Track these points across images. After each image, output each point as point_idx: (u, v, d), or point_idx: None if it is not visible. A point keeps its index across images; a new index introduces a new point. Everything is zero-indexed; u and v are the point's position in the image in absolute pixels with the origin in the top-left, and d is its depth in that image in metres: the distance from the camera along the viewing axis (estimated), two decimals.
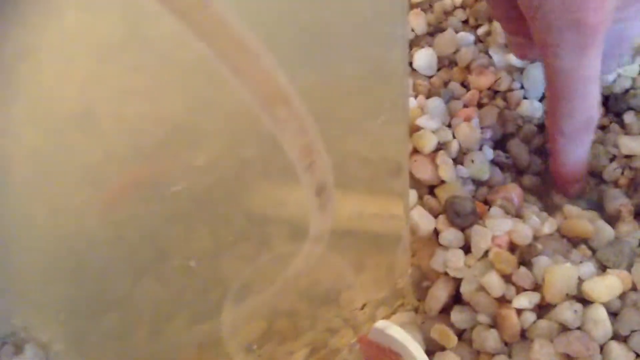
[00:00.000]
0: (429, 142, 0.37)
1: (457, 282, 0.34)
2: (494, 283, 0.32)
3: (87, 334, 0.23)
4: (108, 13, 0.18)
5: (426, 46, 0.44)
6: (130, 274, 0.23)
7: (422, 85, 0.42)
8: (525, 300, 0.31)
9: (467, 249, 0.34)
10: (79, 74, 0.18)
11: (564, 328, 0.31)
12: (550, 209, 0.38)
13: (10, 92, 0.18)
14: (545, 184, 0.40)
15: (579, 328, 0.31)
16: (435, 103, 0.40)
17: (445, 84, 0.43)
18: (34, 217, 0.20)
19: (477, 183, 0.39)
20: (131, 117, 0.20)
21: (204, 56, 0.19)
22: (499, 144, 0.41)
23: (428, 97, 0.41)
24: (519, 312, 0.31)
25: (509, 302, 0.32)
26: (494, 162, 0.40)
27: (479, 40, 0.44)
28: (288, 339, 0.29)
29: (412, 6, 0.46)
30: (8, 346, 0.26)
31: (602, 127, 0.41)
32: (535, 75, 0.41)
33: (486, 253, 0.33)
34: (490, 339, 0.32)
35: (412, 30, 0.45)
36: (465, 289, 0.33)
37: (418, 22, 0.45)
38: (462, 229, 0.35)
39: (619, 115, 0.41)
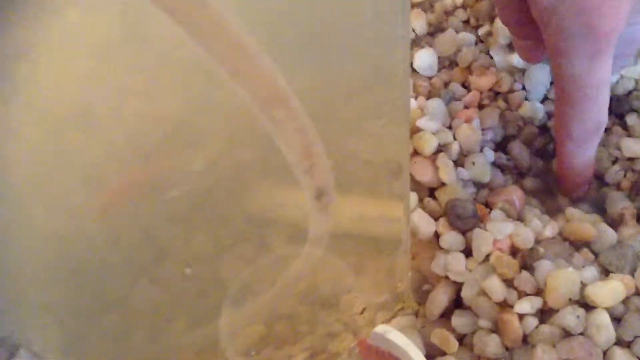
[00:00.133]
0: (429, 144, 0.37)
1: (458, 286, 0.34)
2: (496, 287, 0.32)
3: (85, 336, 0.23)
4: (107, 12, 0.18)
5: (426, 46, 0.44)
6: (128, 275, 0.23)
7: (422, 86, 0.42)
8: (527, 305, 0.31)
9: (468, 252, 0.35)
10: (77, 73, 0.18)
11: (567, 333, 0.31)
12: (552, 211, 0.39)
13: (9, 91, 0.18)
14: (547, 186, 0.41)
15: (581, 333, 0.31)
16: (436, 104, 0.40)
17: (446, 84, 0.43)
18: (31, 218, 0.20)
19: (478, 185, 0.39)
20: (130, 117, 0.20)
21: (203, 56, 0.19)
22: (500, 145, 0.41)
23: (428, 98, 0.41)
24: (521, 317, 0.31)
25: (511, 306, 0.32)
26: (494, 164, 0.40)
27: (480, 40, 0.45)
28: (287, 344, 0.29)
29: (413, 6, 0.46)
30: (1, 350, 0.26)
31: (605, 129, 0.41)
32: (537, 76, 0.41)
33: (487, 257, 0.34)
34: (491, 344, 0.32)
35: (413, 30, 0.45)
36: (466, 293, 0.33)
37: (418, 22, 0.45)
38: (463, 232, 0.35)
39: (621, 117, 0.41)
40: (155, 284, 0.23)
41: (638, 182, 0.38)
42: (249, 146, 0.22)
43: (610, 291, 0.31)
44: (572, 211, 0.37)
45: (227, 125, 0.22)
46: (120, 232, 0.21)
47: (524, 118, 0.41)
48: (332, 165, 0.23)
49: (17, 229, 0.20)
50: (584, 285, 0.32)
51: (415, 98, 0.41)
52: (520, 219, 0.36)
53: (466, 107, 0.41)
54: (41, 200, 0.19)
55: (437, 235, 0.36)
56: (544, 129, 0.42)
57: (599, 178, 0.39)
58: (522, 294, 0.32)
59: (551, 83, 0.42)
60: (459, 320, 0.33)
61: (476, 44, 0.44)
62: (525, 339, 0.32)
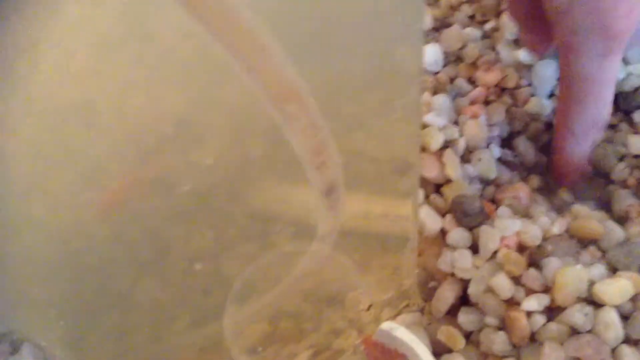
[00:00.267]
0: (435, 140, 0.37)
1: (465, 283, 0.34)
2: (503, 284, 0.32)
3: (87, 333, 0.22)
4: (108, 7, 0.17)
5: (432, 42, 0.44)
6: (130, 272, 0.22)
7: (428, 81, 0.42)
8: (534, 303, 0.31)
9: (474, 249, 0.34)
10: (78, 69, 0.18)
11: (575, 331, 0.30)
12: (558, 208, 0.38)
13: (9, 86, 0.17)
14: (552, 182, 0.40)
15: (589, 331, 0.30)
16: (442, 100, 0.39)
17: (452, 80, 0.42)
18: (32, 214, 0.20)
19: (484, 182, 0.38)
20: (132, 113, 0.20)
21: (206, 50, 0.19)
22: (506, 142, 0.41)
23: (434, 93, 0.41)
24: (529, 314, 0.31)
25: (518, 304, 0.31)
26: (501, 161, 0.39)
27: (486, 36, 0.44)
28: (291, 341, 0.29)
29: None
30: (4, 345, 0.25)
31: (611, 126, 0.40)
32: (544, 72, 0.41)
33: (494, 254, 0.33)
34: (498, 342, 0.31)
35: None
36: (473, 290, 0.33)
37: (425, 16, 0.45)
38: (470, 229, 0.35)
39: (628, 114, 0.41)
40: (158, 281, 0.23)
41: None
42: (254, 142, 0.22)
43: (618, 289, 0.31)
44: (578, 208, 0.37)
45: (231, 121, 0.21)
46: (122, 228, 0.21)
47: (531, 114, 0.41)
48: (343, 161, 0.23)
49: (18, 225, 0.19)
50: (592, 283, 0.31)
51: (422, 93, 0.41)
52: (527, 215, 0.36)
53: (472, 103, 0.40)
54: (42, 196, 0.19)
55: (443, 232, 0.35)
56: (550, 125, 0.41)
57: (605, 175, 0.39)
58: (529, 292, 0.31)
59: (558, 79, 0.41)
60: (465, 317, 0.33)
61: (482, 39, 0.44)
62: (533, 337, 0.31)
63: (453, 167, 0.36)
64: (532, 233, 0.33)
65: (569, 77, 0.34)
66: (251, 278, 0.24)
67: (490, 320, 0.32)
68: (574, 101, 0.35)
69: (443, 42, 0.43)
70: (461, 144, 0.38)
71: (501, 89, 0.42)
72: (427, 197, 0.37)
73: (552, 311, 0.31)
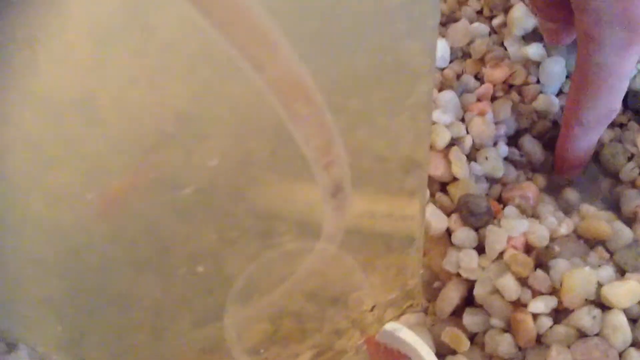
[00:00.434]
0: (442, 137, 0.36)
1: (470, 283, 0.33)
2: (510, 286, 0.31)
3: (85, 332, 0.22)
4: None
5: (439, 37, 0.43)
6: (130, 270, 0.22)
7: (435, 77, 0.41)
8: (541, 305, 0.30)
9: (480, 249, 0.34)
10: (78, 61, 0.18)
11: (582, 334, 0.30)
12: (566, 208, 0.38)
13: (8, 79, 0.17)
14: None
15: (597, 334, 0.30)
16: (448, 96, 0.39)
17: (459, 76, 0.42)
18: (30, 210, 0.19)
19: (491, 180, 0.38)
20: (133, 107, 0.19)
21: (211, 42, 0.18)
22: (512, 140, 0.40)
23: (440, 90, 0.40)
24: (535, 316, 0.31)
25: (525, 306, 0.31)
26: (507, 159, 0.39)
27: (493, 31, 0.43)
28: (293, 342, 0.28)
29: None
30: (0, 344, 0.25)
31: (621, 125, 0.40)
32: (553, 69, 0.40)
33: (501, 254, 0.33)
34: (504, 344, 0.31)
35: None
36: (478, 291, 0.32)
37: None
38: (476, 229, 0.34)
39: (638, 113, 0.40)
40: (158, 280, 0.22)
41: None
42: (258, 138, 0.21)
43: (627, 292, 0.30)
44: (586, 208, 0.36)
45: (235, 116, 0.21)
46: (122, 226, 0.20)
47: (538, 112, 0.40)
48: (350, 160, 0.23)
49: (15, 221, 0.19)
50: (600, 285, 0.31)
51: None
52: (534, 215, 0.35)
53: (479, 99, 0.40)
54: (41, 191, 0.19)
55: (448, 232, 0.35)
56: (557, 123, 0.40)
57: (614, 175, 0.38)
58: (536, 293, 0.31)
59: (566, 77, 0.41)
60: (470, 318, 0.32)
61: (490, 35, 0.43)
62: (539, 339, 0.31)
63: (459, 166, 0.36)
64: (540, 233, 0.33)
65: (586, 68, 0.34)
66: (253, 277, 0.24)
67: (496, 322, 0.32)
68: (589, 92, 0.34)
69: (450, 37, 0.43)
70: (468, 142, 0.37)
71: (509, 86, 0.41)
72: (432, 195, 0.36)
73: (559, 313, 0.31)
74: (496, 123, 0.39)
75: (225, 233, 0.23)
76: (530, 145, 0.39)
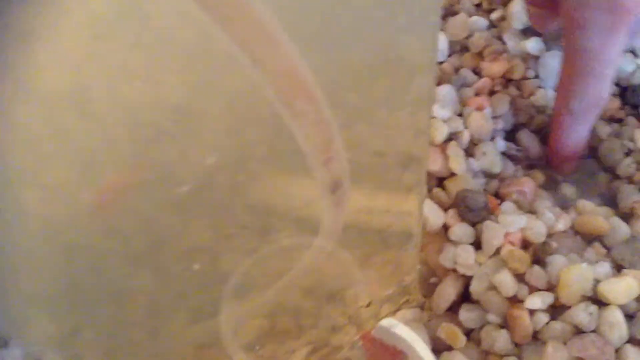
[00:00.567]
0: (440, 132, 0.36)
1: (467, 279, 0.33)
2: (506, 282, 0.31)
3: (80, 329, 0.22)
4: None
5: (439, 30, 0.43)
6: (126, 266, 0.22)
7: (434, 72, 0.41)
8: (538, 301, 0.30)
9: (477, 245, 0.34)
10: (73, 53, 0.17)
11: (579, 330, 0.30)
12: (563, 203, 0.38)
13: (2, 71, 0.17)
14: (554, 173, 0.39)
15: (593, 331, 0.30)
16: (447, 91, 0.39)
17: (457, 70, 0.42)
18: (24, 204, 0.19)
19: (488, 176, 0.38)
20: (129, 100, 0.19)
21: (208, 34, 0.18)
22: (510, 134, 0.40)
23: (439, 84, 0.40)
24: (532, 312, 0.31)
25: (521, 302, 0.31)
26: (505, 154, 0.39)
27: (492, 25, 0.43)
28: (289, 338, 0.28)
29: None
30: None
31: (619, 120, 0.40)
32: (551, 63, 0.40)
33: (498, 250, 0.33)
34: (500, 340, 0.31)
35: None
36: (475, 287, 0.32)
37: None
38: (473, 224, 0.34)
39: (636, 108, 0.40)
40: (154, 276, 0.22)
41: None
42: (256, 133, 0.21)
43: (623, 288, 0.30)
44: (583, 204, 0.36)
45: (232, 110, 0.21)
46: (117, 221, 0.20)
47: (536, 106, 0.40)
48: (349, 156, 0.22)
49: (9, 215, 0.19)
50: (597, 282, 0.31)
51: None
52: (531, 211, 0.35)
53: (477, 94, 0.40)
54: (35, 186, 0.18)
55: (445, 227, 0.35)
56: None
57: (611, 171, 0.38)
58: (533, 290, 0.31)
59: None
60: (466, 314, 0.33)
61: (489, 28, 0.43)
62: (536, 336, 0.31)
63: (457, 161, 0.36)
64: (537, 229, 0.33)
65: (573, 54, 0.34)
66: (250, 273, 0.24)
67: (492, 318, 0.32)
68: (576, 78, 0.35)
69: (448, 31, 0.43)
70: (465, 137, 0.37)
71: (507, 80, 0.41)
72: (430, 191, 0.36)
73: (556, 310, 0.31)
74: (494, 117, 0.39)
75: (222, 229, 0.23)
76: (528, 139, 0.39)
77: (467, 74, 0.41)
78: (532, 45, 0.40)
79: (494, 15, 0.43)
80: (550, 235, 0.33)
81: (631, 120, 0.40)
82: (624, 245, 0.33)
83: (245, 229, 0.24)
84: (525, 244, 0.33)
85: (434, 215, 0.34)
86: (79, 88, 0.18)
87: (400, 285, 0.31)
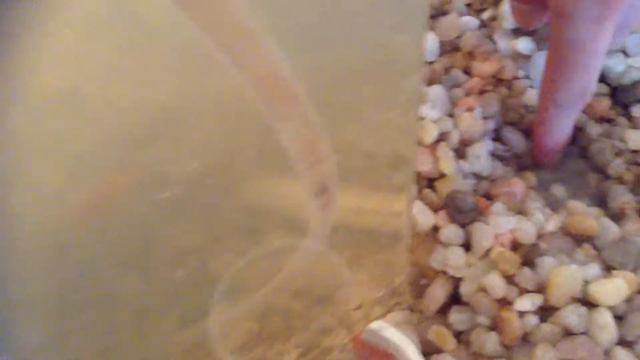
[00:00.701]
0: (430, 133, 0.37)
1: (457, 281, 0.34)
2: (496, 283, 0.32)
3: (68, 332, 0.22)
4: None
5: (428, 30, 0.43)
6: (115, 269, 0.22)
7: (424, 71, 0.41)
8: (528, 303, 0.31)
9: (467, 246, 0.34)
10: (62, 52, 0.18)
11: (568, 332, 0.31)
12: (553, 204, 0.38)
13: None
14: (546, 178, 0.40)
15: (583, 333, 0.31)
16: (437, 91, 0.39)
17: (447, 70, 0.42)
18: (13, 205, 0.19)
19: (478, 177, 0.38)
20: (118, 100, 0.19)
21: (198, 39, 0.18)
22: (500, 134, 0.41)
23: (429, 84, 0.41)
24: (521, 314, 0.31)
25: (511, 303, 0.32)
26: (495, 155, 0.39)
27: (483, 25, 0.44)
28: (279, 340, 0.29)
29: None
30: None
31: (609, 120, 0.41)
32: (542, 63, 0.41)
33: (488, 251, 0.33)
34: (490, 342, 0.32)
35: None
36: (465, 289, 0.33)
37: None
38: (463, 226, 0.35)
39: (626, 108, 0.41)
40: (143, 278, 0.23)
41: None
42: (245, 135, 0.22)
43: (613, 289, 0.31)
44: (573, 204, 0.37)
45: (222, 111, 0.21)
46: (108, 223, 0.20)
47: (527, 106, 0.41)
48: (337, 158, 0.23)
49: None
50: (586, 283, 0.31)
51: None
52: (521, 212, 0.36)
53: (467, 94, 0.40)
54: (26, 188, 0.19)
55: (435, 228, 0.35)
56: None
57: (601, 171, 0.39)
58: (522, 291, 0.32)
59: None
60: (456, 316, 0.33)
61: (479, 28, 0.44)
62: (525, 338, 0.31)
63: (447, 162, 0.36)
64: (527, 230, 0.33)
65: (559, 45, 0.34)
66: (239, 276, 0.24)
67: (482, 320, 0.32)
68: (562, 71, 0.35)
69: (439, 30, 0.43)
70: (456, 138, 0.38)
71: (497, 80, 0.42)
72: (419, 192, 0.37)
73: (546, 311, 0.32)
74: (485, 118, 0.39)
75: (212, 231, 0.23)
76: (513, 136, 0.40)
77: (457, 74, 0.42)
78: (523, 45, 0.41)
79: (485, 15, 0.44)
80: (540, 237, 0.34)
81: (621, 120, 0.40)
82: (614, 246, 0.34)
83: (235, 231, 0.25)
84: (515, 245, 0.34)
85: (424, 217, 0.35)
86: (69, 88, 0.18)
87: (390, 287, 0.32)
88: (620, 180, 0.38)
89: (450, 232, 0.34)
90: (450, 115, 0.39)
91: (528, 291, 0.32)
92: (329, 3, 0.20)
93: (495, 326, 0.32)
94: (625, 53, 0.41)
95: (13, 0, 0.17)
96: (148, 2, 0.18)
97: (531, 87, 0.41)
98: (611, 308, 0.31)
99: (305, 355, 0.30)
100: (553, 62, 0.36)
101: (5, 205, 0.19)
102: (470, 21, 0.43)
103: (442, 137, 0.38)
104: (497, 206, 0.35)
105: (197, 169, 0.22)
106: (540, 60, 0.41)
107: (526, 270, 0.32)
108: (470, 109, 0.39)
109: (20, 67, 0.17)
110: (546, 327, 0.31)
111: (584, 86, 0.36)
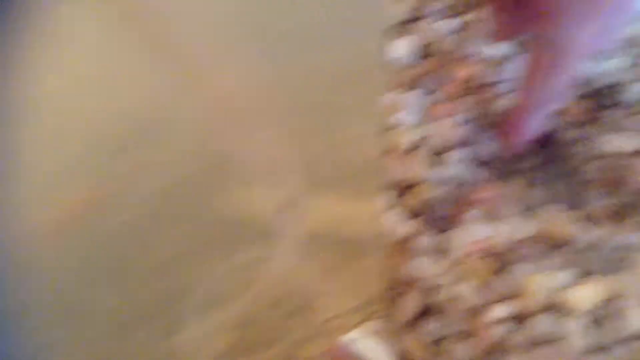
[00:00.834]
0: (405, 139, 0.37)
1: (431, 289, 0.34)
2: (470, 292, 0.32)
3: (41, 347, 0.22)
4: None
5: (405, 35, 0.44)
6: (88, 283, 0.22)
7: (399, 77, 0.42)
8: (502, 310, 0.32)
9: (443, 254, 0.35)
10: (37, 62, 0.18)
11: (543, 339, 0.31)
12: (529, 210, 0.39)
13: None
14: (523, 184, 0.41)
15: (558, 339, 0.31)
16: (413, 96, 0.40)
17: (424, 75, 0.43)
18: None
19: (455, 183, 0.39)
20: (91, 111, 0.20)
21: (176, 46, 0.19)
22: (477, 141, 0.41)
23: (405, 89, 0.41)
24: (495, 322, 0.32)
25: (485, 311, 0.32)
26: (471, 161, 0.40)
27: (460, 29, 0.44)
28: (256, 351, 0.29)
29: None
30: None
31: (585, 124, 0.41)
32: (520, 68, 0.41)
33: (463, 259, 0.34)
34: (463, 351, 0.32)
35: (390, 18, 0.45)
36: (439, 298, 0.33)
37: (396, 9, 0.45)
38: (439, 233, 0.35)
39: (603, 111, 0.42)
40: (117, 292, 0.23)
41: (617, 179, 0.39)
42: (222, 145, 0.22)
43: (588, 294, 0.32)
44: (549, 209, 0.37)
45: (197, 122, 0.22)
46: (79, 240, 0.21)
47: (504, 111, 0.41)
48: (306, 168, 0.23)
49: None
50: (561, 289, 0.32)
51: (392, 90, 0.41)
52: (497, 218, 0.36)
53: (444, 99, 0.41)
54: None
55: (411, 236, 0.35)
56: None
57: (578, 175, 0.40)
58: (497, 299, 0.32)
59: None
60: (431, 325, 0.34)
61: (456, 33, 0.44)
62: (500, 346, 0.32)
63: (423, 168, 0.37)
64: (502, 238, 0.34)
65: (543, 47, 0.35)
66: (214, 287, 0.25)
67: (456, 328, 0.33)
68: (543, 71, 0.36)
69: (415, 35, 0.44)
70: (432, 144, 0.38)
71: (474, 85, 0.42)
72: (395, 199, 0.37)
73: (520, 318, 0.32)
74: (461, 124, 0.40)
75: (188, 241, 0.23)
76: (488, 141, 0.40)
77: (434, 79, 0.42)
78: (500, 49, 0.41)
79: (462, 20, 0.44)
80: (515, 243, 0.34)
81: (598, 123, 0.41)
82: (589, 251, 0.35)
83: (210, 242, 0.25)
84: (491, 252, 0.34)
85: (399, 224, 0.35)
86: (41, 98, 0.18)
87: (365, 296, 0.32)
88: (595, 185, 0.39)
89: (426, 239, 0.35)
90: (427, 121, 0.39)
91: (503, 299, 0.32)
92: (307, 10, 0.21)
93: (469, 334, 0.33)
94: (603, 56, 0.42)
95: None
96: (121, 13, 0.18)
97: (509, 91, 0.42)
98: (586, 314, 0.31)
99: None
100: (533, 63, 0.36)
101: None
102: (447, 26, 0.44)
103: (418, 143, 0.38)
104: (473, 213, 0.36)
105: (171, 181, 0.22)
106: (517, 65, 0.41)
107: (501, 277, 0.32)
108: (446, 115, 0.39)
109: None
110: (520, 335, 0.31)
111: (560, 86, 0.36)
